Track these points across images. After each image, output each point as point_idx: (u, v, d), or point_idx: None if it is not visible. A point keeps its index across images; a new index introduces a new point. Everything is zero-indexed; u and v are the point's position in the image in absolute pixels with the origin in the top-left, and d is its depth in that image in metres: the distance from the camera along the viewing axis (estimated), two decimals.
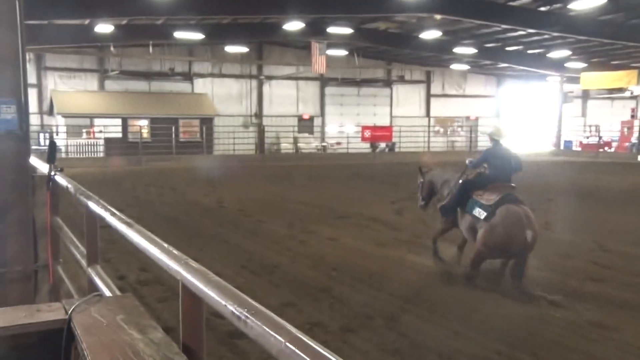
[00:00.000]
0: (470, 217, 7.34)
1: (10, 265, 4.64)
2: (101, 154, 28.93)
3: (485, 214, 7.05)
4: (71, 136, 28.91)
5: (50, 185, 4.71)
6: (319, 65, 29.39)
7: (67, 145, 28.23)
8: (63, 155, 26.29)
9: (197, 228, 11.15)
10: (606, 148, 36.90)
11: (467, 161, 8.12)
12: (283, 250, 9.22)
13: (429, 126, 37.62)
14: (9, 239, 4.66)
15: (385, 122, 38.67)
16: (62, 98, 29.47)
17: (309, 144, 34.92)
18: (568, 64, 34.99)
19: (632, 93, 37.21)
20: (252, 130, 34.06)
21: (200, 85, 34.57)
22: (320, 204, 14.21)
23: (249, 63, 35.37)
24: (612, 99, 41.77)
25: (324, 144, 35.92)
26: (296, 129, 35.78)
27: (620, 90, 36.22)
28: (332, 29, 28.22)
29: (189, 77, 34.37)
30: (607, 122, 39.13)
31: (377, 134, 34.09)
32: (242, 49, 33.07)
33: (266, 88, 36.55)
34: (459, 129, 41.95)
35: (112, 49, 29.59)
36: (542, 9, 24.63)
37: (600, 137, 37.62)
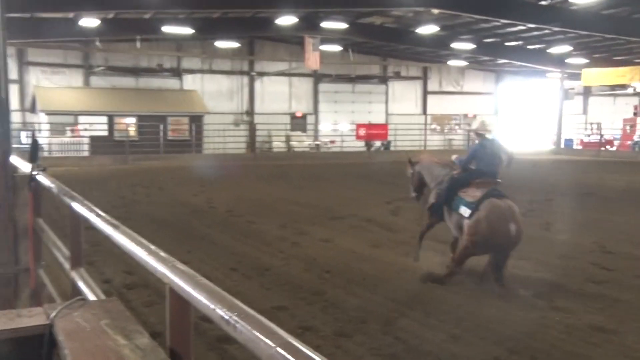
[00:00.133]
0: (457, 215, 7.41)
1: None
2: (86, 153, 28.23)
3: (469, 211, 7.11)
4: (54, 134, 28.18)
5: (32, 185, 4.70)
6: (312, 61, 29.33)
7: (50, 144, 27.51)
8: (46, 154, 25.66)
9: (185, 229, 11.02)
10: (608, 146, 36.39)
11: (453, 157, 8.22)
12: (275, 252, 9.10)
13: (425, 124, 37.36)
14: None
15: (380, 119, 38.18)
16: (45, 94, 28.75)
17: (302, 142, 34.20)
18: (569, 60, 34.79)
19: (634, 90, 36.85)
20: (244, 129, 33.62)
21: (190, 82, 34.00)
22: (314, 204, 14.13)
23: (240, 59, 34.94)
24: (615, 96, 41.55)
25: (317, 142, 35.21)
26: (289, 127, 35.17)
27: (623, 87, 35.85)
28: (326, 24, 27.98)
29: (177, 73, 33.85)
30: (609, 119, 38.60)
31: (372, 132, 33.61)
32: (233, 44, 32.85)
33: (258, 85, 36.01)
34: (457, 126, 41.32)
35: (97, 43, 29.35)
36: (543, 3, 24.59)
37: (601, 135, 37.04)
